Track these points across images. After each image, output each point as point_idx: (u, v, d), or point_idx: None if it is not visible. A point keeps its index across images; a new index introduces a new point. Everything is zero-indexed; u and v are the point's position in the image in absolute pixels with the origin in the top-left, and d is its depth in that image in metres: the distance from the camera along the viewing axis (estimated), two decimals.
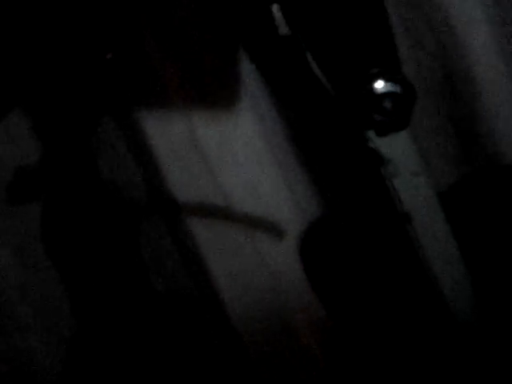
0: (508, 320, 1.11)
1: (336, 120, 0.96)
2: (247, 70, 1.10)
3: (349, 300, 1.18)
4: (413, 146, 0.98)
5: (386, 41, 0.83)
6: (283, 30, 0.93)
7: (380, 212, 1.04)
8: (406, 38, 1.15)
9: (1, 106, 1.01)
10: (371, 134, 0.92)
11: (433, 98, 1.19)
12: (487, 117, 1.19)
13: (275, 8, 0.93)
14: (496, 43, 1.17)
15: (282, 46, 0.96)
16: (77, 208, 1.13)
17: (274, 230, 1.15)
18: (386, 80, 0.82)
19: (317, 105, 1.00)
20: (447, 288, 1.04)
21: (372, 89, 0.82)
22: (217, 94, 1.12)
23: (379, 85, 0.82)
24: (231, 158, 1.12)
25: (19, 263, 1.11)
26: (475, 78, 1.18)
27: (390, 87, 0.82)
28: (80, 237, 1.14)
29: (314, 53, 0.86)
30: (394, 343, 1.15)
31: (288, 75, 1.01)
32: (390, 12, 0.82)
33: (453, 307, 1.05)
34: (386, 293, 1.13)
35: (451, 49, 1.17)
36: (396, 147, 0.97)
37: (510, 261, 1.13)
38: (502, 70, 1.18)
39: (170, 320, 1.17)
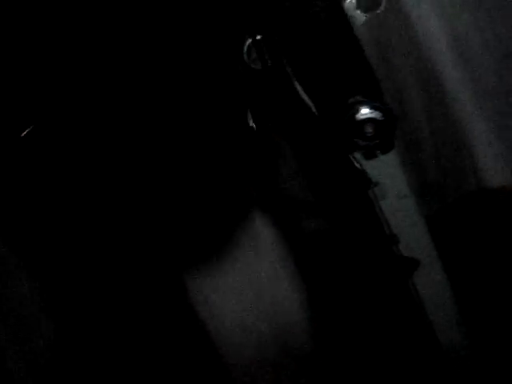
0: (493, 337, 1.14)
1: (323, 143, 1.01)
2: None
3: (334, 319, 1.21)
4: (400, 169, 1.02)
5: (366, 70, 0.88)
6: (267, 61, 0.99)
7: (368, 233, 1.07)
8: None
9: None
10: (359, 156, 0.97)
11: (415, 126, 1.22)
12: (468, 144, 1.22)
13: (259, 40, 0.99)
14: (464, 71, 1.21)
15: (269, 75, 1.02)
16: (45, 211, 1.16)
17: None
18: (367, 107, 0.86)
19: (304, 127, 1.05)
20: (430, 306, 1.07)
21: (354, 115, 0.87)
22: None
23: (360, 112, 0.87)
24: None
25: None
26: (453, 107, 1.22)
27: (371, 114, 0.86)
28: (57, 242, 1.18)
29: (301, 81, 0.91)
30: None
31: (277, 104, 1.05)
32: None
33: (436, 323, 1.08)
34: (372, 310, 1.17)
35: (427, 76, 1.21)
36: (384, 170, 1.01)
37: (494, 280, 1.16)
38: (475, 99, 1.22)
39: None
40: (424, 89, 1.25)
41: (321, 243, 1.17)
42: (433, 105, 1.24)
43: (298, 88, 0.93)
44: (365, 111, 0.86)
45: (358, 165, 0.98)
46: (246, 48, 1.03)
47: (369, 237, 1.08)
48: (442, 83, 1.24)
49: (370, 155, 0.92)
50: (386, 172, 1.01)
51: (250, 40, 1.02)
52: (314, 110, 0.92)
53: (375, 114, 0.86)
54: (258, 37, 1.00)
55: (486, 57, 1.26)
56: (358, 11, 1.14)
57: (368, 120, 0.87)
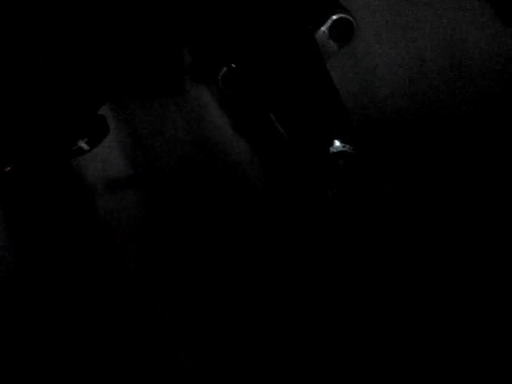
0: None
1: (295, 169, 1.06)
2: None
3: None
4: None
5: (338, 103, 0.94)
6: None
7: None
8: None
9: None
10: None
11: None
12: None
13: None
14: None
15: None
16: None
17: None
18: (339, 141, 0.92)
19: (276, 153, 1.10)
20: None
21: (328, 149, 0.93)
22: None
23: (333, 145, 0.93)
24: None
25: None
26: None
27: (343, 147, 0.92)
28: None
29: (277, 114, 0.97)
30: None
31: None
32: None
33: None
34: None
35: None
36: None
37: None
38: None
39: None
40: None
41: None
42: None
43: (272, 117, 0.99)
44: (337, 145, 0.92)
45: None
46: (221, 74, 1.09)
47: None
48: None
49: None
50: None
51: (225, 68, 1.08)
52: (286, 138, 0.98)
53: (347, 148, 0.92)
54: (233, 65, 1.07)
55: None
56: (331, 41, 1.19)
57: (340, 153, 0.92)
